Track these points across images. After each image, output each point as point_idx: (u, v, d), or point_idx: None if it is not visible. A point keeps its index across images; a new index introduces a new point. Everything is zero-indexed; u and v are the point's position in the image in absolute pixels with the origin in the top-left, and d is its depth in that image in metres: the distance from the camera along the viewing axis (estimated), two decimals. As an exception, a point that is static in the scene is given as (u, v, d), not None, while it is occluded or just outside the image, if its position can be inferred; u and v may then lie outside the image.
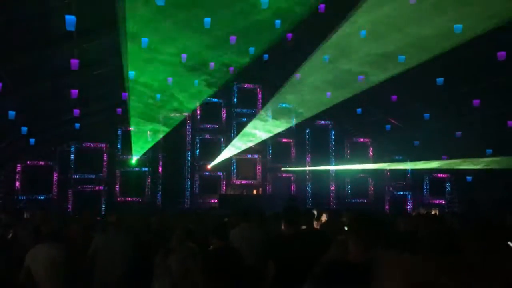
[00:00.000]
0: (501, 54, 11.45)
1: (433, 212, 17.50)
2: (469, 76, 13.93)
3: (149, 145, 19.95)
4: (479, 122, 15.31)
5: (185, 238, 4.68)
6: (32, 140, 15.99)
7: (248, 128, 20.59)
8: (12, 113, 12.47)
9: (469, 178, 19.45)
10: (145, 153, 20.03)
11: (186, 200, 20.33)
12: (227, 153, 20.59)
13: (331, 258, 3.00)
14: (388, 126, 18.97)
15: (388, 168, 22.00)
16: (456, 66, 13.47)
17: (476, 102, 13.96)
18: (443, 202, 21.98)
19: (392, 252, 1.97)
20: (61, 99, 14.01)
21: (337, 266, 2.78)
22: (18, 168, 18.32)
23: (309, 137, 22.18)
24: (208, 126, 21.24)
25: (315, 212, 7.56)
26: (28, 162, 18.54)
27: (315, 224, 6.12)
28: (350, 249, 2.79)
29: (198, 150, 20.91)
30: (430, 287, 1.80)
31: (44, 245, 4.90)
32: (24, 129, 14.30)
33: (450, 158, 18.62)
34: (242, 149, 20.83)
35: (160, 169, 20.22)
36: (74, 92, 12.73)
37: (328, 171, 22.01)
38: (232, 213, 7.30)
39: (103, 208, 18.71)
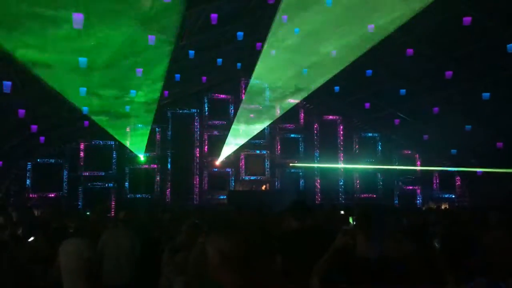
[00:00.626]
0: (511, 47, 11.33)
1: (443, 207, 17.43)
2: (479, 69, 13.81)
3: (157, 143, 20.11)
4: (489, 115, 15.19)
5: (193, 232, 4.64)
6: (42, 138, 16.11)
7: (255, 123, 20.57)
8: (21, 112, 12.56)
9: (479, 172, 19.31)
10: (153, 150, 20.13)
11: (195, 196, 20.40)
12: (232, 148, 20.60)
13: (339, 248, 2.99)
14: (397, 121, 18.87)
15: (396, 167, 21.93)
16: (466, 59, 13.38)
17: (486, 95, 13.84)
18: (453, 196, 21.86)
19: None
20: (69, 96, 14.04)
21: (349, 261, 2.77)
22: (29, 166, 18.48)
23: (318, 132, 22.12)
24: (216, 122, 21.25)
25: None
26: (38, 160, 18.70)
27: None
28: (359, 244, 2.79)
29: (206, 147, 20.95)
30: None
31: (72, 239, 4.99)
32: (34, 127, 14.41)
33: (459, 152, 18.52)
34: (248, 143, 20.82)
35: (169, 166, 20.31)
36: (83, 90, 12.79)
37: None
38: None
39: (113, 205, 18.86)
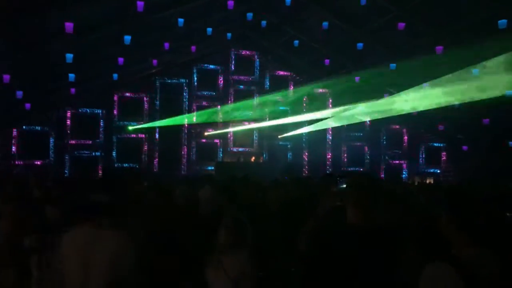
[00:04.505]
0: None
1: (428, 181, 17.68)
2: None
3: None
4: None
5: None
6: (27, 105, 15.82)
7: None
8: (6, 77, 12.28)
9: (465, 147, 19.55)
10: (141, 120, 19.98)
11: (183, 167, 20.40)
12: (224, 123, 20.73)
13: (327, 211, 3.01)
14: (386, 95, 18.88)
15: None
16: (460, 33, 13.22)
17: (475, 71, 13.81)
18: (438, 171, 22.16)
19: None
20: (56, 63, 13.75)
21: (338, 229, 2.79)
22: (14, 133, 18.21)
23: (307, 105, 22.08)
24: (205, 93, 21.09)
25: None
26: (24, 127, 18.42)
27: None
28: (349, 213, 2.80)
29: (195, 117, 20.83)
30: None
31: None
32: (20, 93, 14.12)
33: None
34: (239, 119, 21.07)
35: (157, 135, 20.20)
36: (69, 56, 12.52)
37: (325, 138, 22.09)
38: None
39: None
